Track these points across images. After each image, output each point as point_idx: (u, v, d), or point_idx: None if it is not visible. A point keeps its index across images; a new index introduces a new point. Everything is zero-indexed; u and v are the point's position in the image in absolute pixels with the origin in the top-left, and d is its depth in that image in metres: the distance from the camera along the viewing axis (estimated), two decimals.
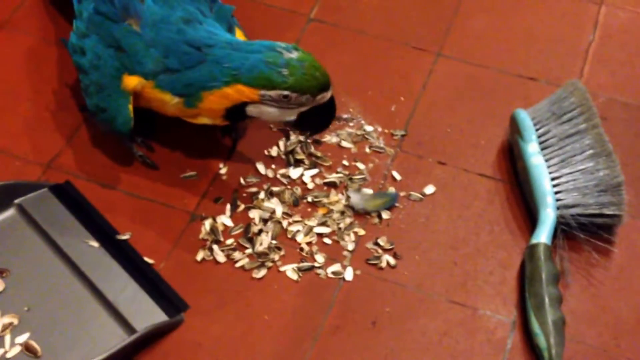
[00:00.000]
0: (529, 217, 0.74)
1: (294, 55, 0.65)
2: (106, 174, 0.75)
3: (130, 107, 0.70)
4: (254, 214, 0.72)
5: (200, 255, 0.70)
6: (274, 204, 0.73)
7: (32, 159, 0.75)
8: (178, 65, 0.67)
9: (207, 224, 0.72)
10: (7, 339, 0.63)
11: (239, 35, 0.74)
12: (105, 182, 0.74)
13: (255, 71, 0.65)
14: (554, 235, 0.70)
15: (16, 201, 0.70)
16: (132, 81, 0.69)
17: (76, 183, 0.73)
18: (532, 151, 0.72)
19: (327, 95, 0.66)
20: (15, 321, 0.64)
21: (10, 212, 0.70)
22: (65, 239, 0.68)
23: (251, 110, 0.67)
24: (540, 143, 0.73)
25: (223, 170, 0.75)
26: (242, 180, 0.75)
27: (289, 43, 0.66)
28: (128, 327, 0.64)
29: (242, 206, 0.73)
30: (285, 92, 0.65)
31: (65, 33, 0.83)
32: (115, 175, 0.75)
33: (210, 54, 0.66)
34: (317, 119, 0.69)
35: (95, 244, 0.69)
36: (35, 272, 0.67)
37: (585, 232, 0.70)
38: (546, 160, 0.72)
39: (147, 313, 0.65)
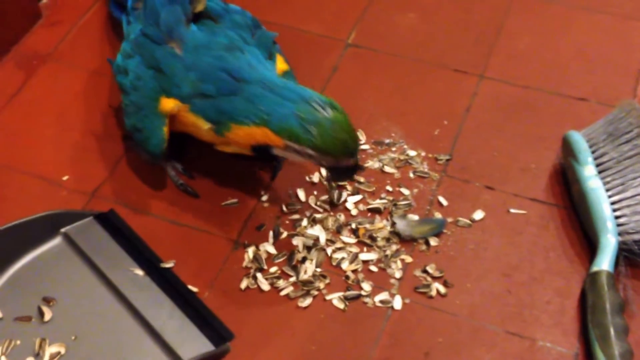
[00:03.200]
0: (587, 243, 0.71)
1: (328, 114, 0.64)
2: (149, 202, 0.75)
3: (165, 129, 0.71)
4: (298, 241, 0.72)
5: (244, 284, 0.70)
6: (317, 231, 0.72)
7: (77, 188, 0.76)
8: (213, 91, 0.68)
9: (250, 251, 0.71)
10: None
11: (280, 62, 0.75)
12: (148, 210, 0.75)
13: (284, 122, 0.64)
14: (616, 263, 0.68)
15: (62, 230, 0.71)
16: (168, 104, 0.70)
17: (120, 211, 0.74)
18: (589, 174, 0.70)
19: (352, 161, 0.66)
20: (63, 350, 0.65)
21: (56, 241, 0.71)
22: (111, 267, 0.69)
23: (276, 151, 0.68)
24: (597, 166, 0.71)
25: (264, 198, 0.76)
26: (284, 207, 0.75)
27: (327, 97, 0.65)
28: (175, 357, 0.64)
29: (285, 233, 0.73)
30: (310, 151, 0.65)
31: (107, 65, 0.86)
32: (157, 204, 0.75)
33: (245, 89, 0.67)
34: (339, 174, 0.68)
35: (140, 272, 0.69)
36: (82, 301, 0.68)
37: None
38: (604, 184, 0.70)
39: (193, 342, 0.64)
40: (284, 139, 0.65)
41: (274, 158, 0.70)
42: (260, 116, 0.66)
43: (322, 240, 0.72)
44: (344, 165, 0.66)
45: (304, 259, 0.71)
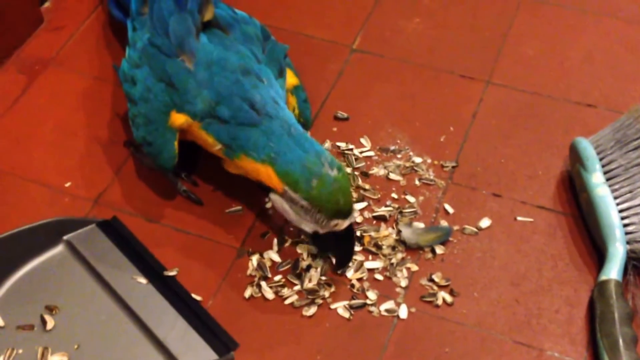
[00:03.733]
0: (595, 251, 0.72)
1: (332, 173, 0.65)
2: (152, 209, 0.76)
3: (176, 143, 0.71)
4: (302, 248, 0.73)
5: (248, 292, 0.70)
6: None
7: (80, 194, 0.77)
8: (229, 117, 0.68)
9: (255, 259, 0.72)
10: None
11: (290, 77, 0.75)
12: (152, 217, 0.76)
13: (289, 166, 0.66)
14: (624, 271, 0.68)
15: (65, 237, 0.72)
16: (179, 119, 0.70)
17: (123, 218, 0.75)
18: (597, 182, 0.71)
19: (342, 224, 0.66)
20: (65, 359, 0.65)
21: (59, 248, 0.72)
22: (114, 275, 0.70)
23: (274, 198, 0.68)
24: (605, 173, 0.71)
25: (269, 205, 0.76)
26: None
27: (336, 159, 0.66)
28: None
29: (290, 241, 0.73)
30: (304, 202, 0.65)
31: (110, 70, 0.87)
32: (161, 211, 0.76)
33: (265, 123, 0.67)
34: (334, 247, 0.69)
35: (143, 280, 0.70)
36: (84, 309, 0.68)
37: None
38: (612, 192, 0.70)
39: (196, 351, 0.65)
40: (283, 184, 0.66)
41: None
42: (269, 154, 0.67)
43: None
44: (335, 229, 0.67)
45: (308, 267, 0.72)
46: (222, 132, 0.69)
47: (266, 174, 0.67)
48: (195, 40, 0.72)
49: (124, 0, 0.82)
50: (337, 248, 0.70)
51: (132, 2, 0.78)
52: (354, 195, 0.76)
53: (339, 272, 0.71)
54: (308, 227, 0.68)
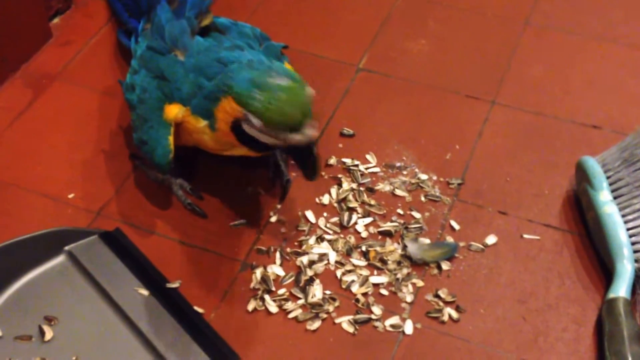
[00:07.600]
0: (602, 270, 0.73)
1: (282, 82, 0.62)
2: (156, 221, 0.77)
3: (170, 138, 0.72)
4: (305, 261, 0.74)
5: (251, 305, 0.71)
6: (324, 248, 0.74)
7: (83, 206, 0.78)
8: (206, 83, 0.70)
9: (258, 272, 0.73)
10: None
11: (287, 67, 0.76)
12: (155, 229, 0.77)
13: (240, 87, 0.64)
14: (633, 290, 0.69)
15: (66, 248, 0.73)
16: (172, 110, 0.72)
17: (126, 230, 0.75)
18: (604, 200, 0.72)
19: (296, 137, 0.62)
20: None
21: (60, 258, 0.73)
22: (115, 286, 0.70)
23: (246, 128, 0.64)
24: (612, 192, 0.73)
25: (273, 219, 0.78)
26: (293, 229, 0.76)
27: (295, 72, 0.63)
28: None
29: (293, 254, 0.75)
30: (253, 119, 0.62)
31: (116, 86, 0.89)
32: (164, 223, 0.77)
33: (229, 69, 0.68)
34: (300, 160, 0.66)
35: (145, 292, 0.71)
36: (84, 321, 0.69)
37: None
38: (619, 210, 0.71)
39: None
40: (240, 106, 0.63)
41: (256, 143, 0.66)
42: (226, 84, 0.65)
43: (331, 259, 0.74)
44: (293, 142, 0.62)
45: (312, 280, 0.73)
46: (200, 102, 0.69)
47: (229, 106, 0.65)
48: (189, 38, 0.75)
49: (133, 28, 0.86)
50: (301, 160, 0.66)
51: (139, 23, 0.83)
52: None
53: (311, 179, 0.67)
54: (276, 142, 0.64)
